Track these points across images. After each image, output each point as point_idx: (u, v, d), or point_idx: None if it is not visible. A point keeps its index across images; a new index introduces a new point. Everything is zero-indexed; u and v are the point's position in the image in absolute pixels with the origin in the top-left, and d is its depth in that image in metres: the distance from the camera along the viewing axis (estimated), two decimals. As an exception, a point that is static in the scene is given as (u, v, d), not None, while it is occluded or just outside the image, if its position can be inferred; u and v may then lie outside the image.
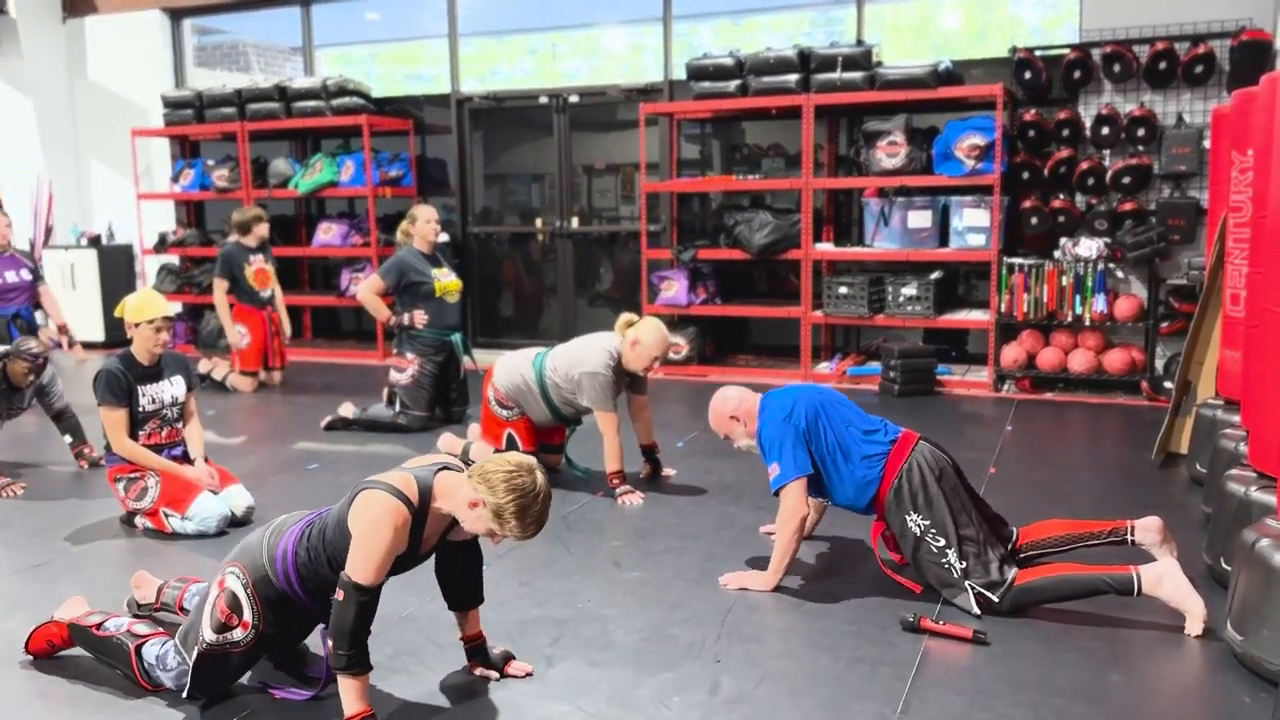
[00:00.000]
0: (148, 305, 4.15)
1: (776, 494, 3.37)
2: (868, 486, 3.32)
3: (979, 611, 3.15)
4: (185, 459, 4.31)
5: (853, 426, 3.39)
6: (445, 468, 2.63)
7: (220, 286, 7.19)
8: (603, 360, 4.44)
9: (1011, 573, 3.16)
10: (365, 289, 5.96)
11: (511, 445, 4.65)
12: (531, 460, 2.59)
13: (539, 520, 2.53)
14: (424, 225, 5.93)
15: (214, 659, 2.65)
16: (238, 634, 2.64)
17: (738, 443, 3.63)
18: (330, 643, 2.49)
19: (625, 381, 4.56)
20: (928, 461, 3.30)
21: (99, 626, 2.87)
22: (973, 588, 3.17)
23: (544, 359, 4.61)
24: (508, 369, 4.71)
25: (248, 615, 2.63)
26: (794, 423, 3.35)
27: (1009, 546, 3.33)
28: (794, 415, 3.37)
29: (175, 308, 4.28)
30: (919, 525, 3.24)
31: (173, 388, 4.27)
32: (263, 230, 7.27)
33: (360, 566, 2.46)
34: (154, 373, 4.22)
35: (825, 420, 3.38)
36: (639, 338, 4.42)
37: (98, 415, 4.18)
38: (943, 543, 3.21)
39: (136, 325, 4.14)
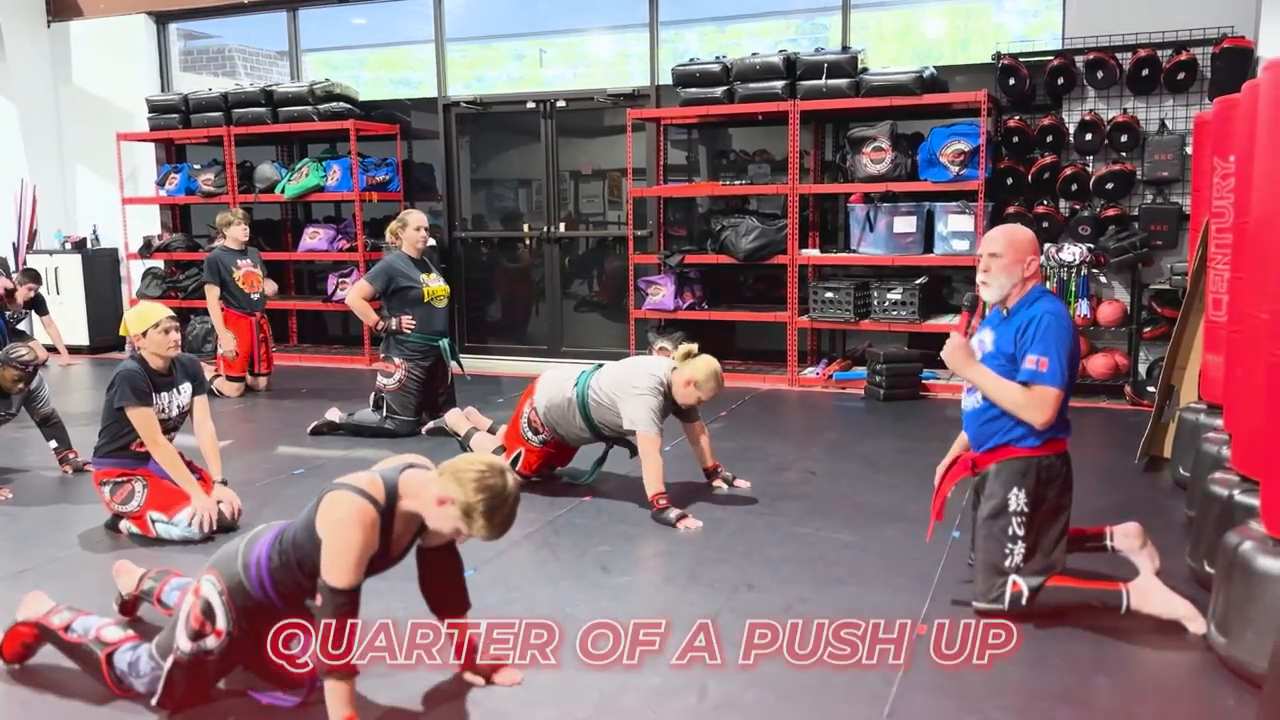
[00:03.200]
0: (148, 311, 4.09)
1: (1025, 384, 3.04)
2: (1039, 433, 3.08)
3: (1006, 606, 3.12)
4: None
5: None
6: (411, 466, 2.64)
7: (212, 293, 7.15)
8: (652, 385, 4.34)
9: (1041, 579, 3.13)
10: (354, 294, 5.95)
11: (514, 462, 4.62)
12: (503, 462, 2.62)
13: (506, 521, 2.52)
14: (412, 232, 5.90)
15: (188, 668, 2.64)
16: (211, 642, 2.63)
17: (996, 275, 3.16)
18: (314, 647, 2.48)
19: (671, 409, 4.47)
20: (1068, 469, 3.18)
21: (66, 629, 2.83)
22: (1016, 581, 3.12)
23: (588, 378, 4.52)
24: (551, 387, 4.60)
25: (221, 623, 2.62)
26: (1072, 338, 3.04)
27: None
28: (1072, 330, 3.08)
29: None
30: (1019, 503, 3.11)
31: (180, 396, 4.19)
32: (239, 232, 7.21)
33: (333, 569, 2.46)
34: (166, 381, 4.13)
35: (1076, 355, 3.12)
36: (695, 379, 4.33)
37: (100, 420, 4.15)
38: (1023, 534, 3.12)
39: (144, 334, 4.04)
